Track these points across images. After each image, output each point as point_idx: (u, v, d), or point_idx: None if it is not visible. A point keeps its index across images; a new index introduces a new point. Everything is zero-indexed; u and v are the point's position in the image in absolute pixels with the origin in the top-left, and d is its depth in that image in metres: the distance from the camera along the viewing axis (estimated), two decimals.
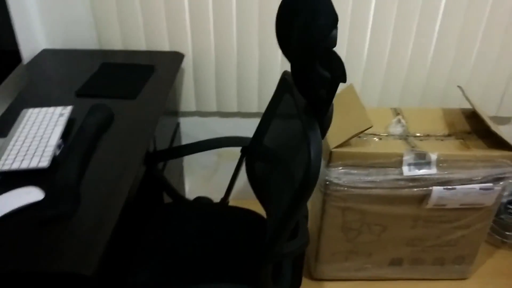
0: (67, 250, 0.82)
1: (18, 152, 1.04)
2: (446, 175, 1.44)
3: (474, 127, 1.58)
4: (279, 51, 1.69)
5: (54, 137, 1.09)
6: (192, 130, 1.91)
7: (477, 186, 1.46)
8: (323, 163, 1.49)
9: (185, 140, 1.93)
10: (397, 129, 1.56)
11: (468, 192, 1.47)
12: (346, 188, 1.48)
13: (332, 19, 0.78)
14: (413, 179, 1.45)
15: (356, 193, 1.48)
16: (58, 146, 1.09)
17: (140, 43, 1.68)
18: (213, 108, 1.82)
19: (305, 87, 0.87)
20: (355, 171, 1.46)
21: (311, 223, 1.71)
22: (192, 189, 2.07)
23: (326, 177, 1.46)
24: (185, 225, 1.31)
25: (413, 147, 1.46)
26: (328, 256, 1.66)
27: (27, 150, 1.05)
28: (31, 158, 1.02)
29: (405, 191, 1.47)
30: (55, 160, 1.05)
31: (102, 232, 0.86)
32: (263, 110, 1.80)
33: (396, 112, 1.66)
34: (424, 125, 1.58)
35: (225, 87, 1.77)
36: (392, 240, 1.62)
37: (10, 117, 1.20)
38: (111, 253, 0.87)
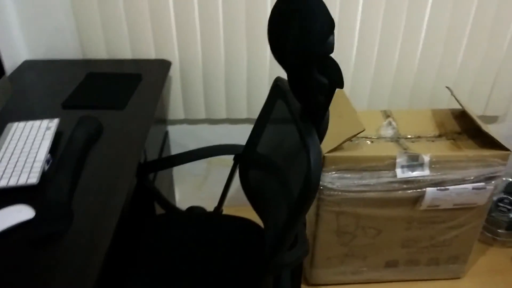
0: (60, 273, 0.78)
1: (5, 169, 1.00)
2: (439, 176, 1.45)
3: (464, 127, 1.59)
4: (267, 56, 1.67)
5: (42, 152, 1.05)
6: (181, 138, 1.87)
7: (469, 186, 1.47)
8: None
9: (174, 149, 1.90)
10: (388, 132, 1.56)
11: (461, 192, 1.48)
12: (340, 193, 1.47)
13: (329, 24, 0.77)
14: (406, 181, 1.45)
15: (350, 197, 1.48)
16: (47, 161, 1.05)
17: (125, 52, 1.65)
18: (202, 115, 1.80)
19: (303, 93, 0.86)
20: (349, 175, 1.45)
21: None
22: (182, 198, 2.04)
23: (320, 182, 1.45)
24: (180, 236, 1.28)
25: (405, 149, 1.46)
26: (324, 261, 1.65)
27: (15, 167, 1.01)
28: (19, 175, 0.98)
29: (399, 193, 1.47)
30: (44, 176, 1.01)
31: (96, 252, 0.82)
32: (252, 116, 1.80)
33: (386, 114, 1.66)
34: (414, 126, 1.59)
35: (214, 94, 1.75)
36: (387, 243, 1.61)
37: None
38: (105, 270, 0.84)
